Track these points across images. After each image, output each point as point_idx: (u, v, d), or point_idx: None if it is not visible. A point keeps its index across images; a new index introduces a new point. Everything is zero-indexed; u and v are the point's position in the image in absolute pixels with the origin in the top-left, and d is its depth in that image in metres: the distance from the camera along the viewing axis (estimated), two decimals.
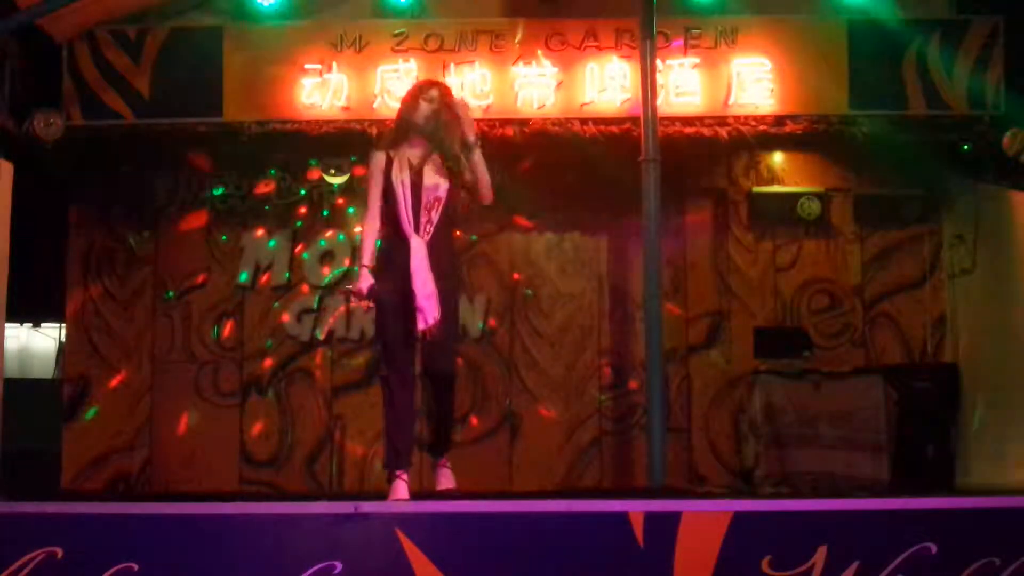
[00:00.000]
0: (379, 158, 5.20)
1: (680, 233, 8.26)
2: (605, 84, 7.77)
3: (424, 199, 5.11)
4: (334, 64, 7.76)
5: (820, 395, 7.52)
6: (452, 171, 5.15)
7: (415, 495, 5.10)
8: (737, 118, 7.72)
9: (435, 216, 5.11)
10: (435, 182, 5.13)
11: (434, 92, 5.26)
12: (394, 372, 5.13)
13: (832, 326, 8.27)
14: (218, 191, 8.28)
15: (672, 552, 4.35)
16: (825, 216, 8.26)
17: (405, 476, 5.08)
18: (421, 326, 4.99)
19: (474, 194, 5.25)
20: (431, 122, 5.17)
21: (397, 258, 5.09)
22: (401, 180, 5.12)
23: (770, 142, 8.02)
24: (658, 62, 7.48)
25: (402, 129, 5.25)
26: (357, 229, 8.12)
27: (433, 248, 5.08)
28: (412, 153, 5.18)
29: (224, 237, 8.32)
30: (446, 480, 5.28)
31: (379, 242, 5.24)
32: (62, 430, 8.16)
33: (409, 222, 5.09)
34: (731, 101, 7.75)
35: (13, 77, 7.35)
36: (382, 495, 5.16)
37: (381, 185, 5.17)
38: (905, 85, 7.70)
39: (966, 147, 7.83)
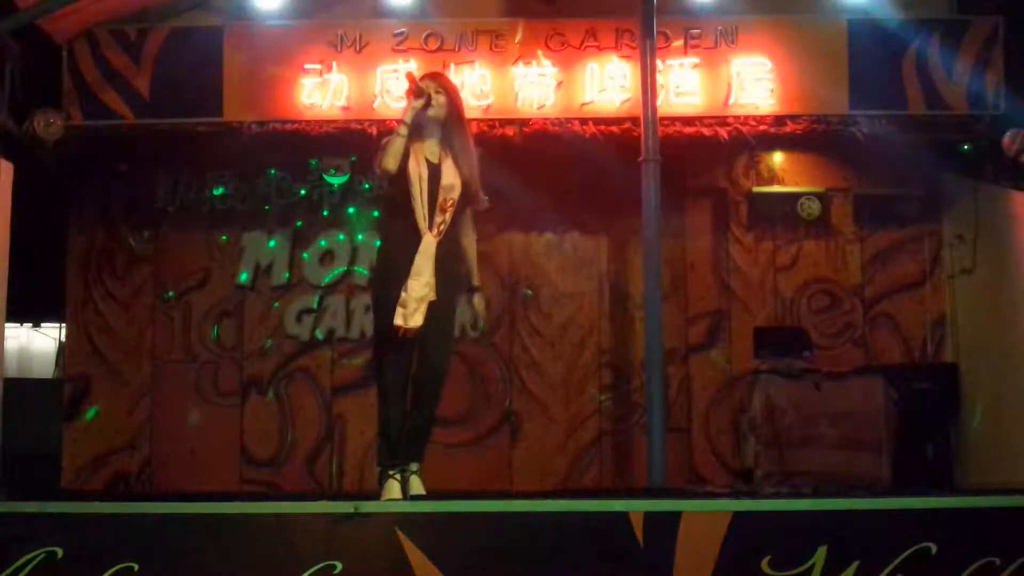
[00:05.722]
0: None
1: (680, 233, 8.26)
2: (605, 84, 7.76)
3: (440, 198, 5.01)
4: (334, 64, 7.75)
5: (820, 395, 7.50)
6: (462, 171, 5.07)
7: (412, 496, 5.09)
8: (737, 118, 7.71)
9: (448, 217, 5.03)
10: (451, 183, 5.04)
11: (441, 87, 5.16)
12: (390, 367, 5.04)
13: (832, 326, 8.26)
14: (218, 191, 8.27)
15: (672, 552, 4.35)
16: (825, 216, 8.26)
17: (399, 476, 5.03)
18: (398, 322, 4.90)
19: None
20: (441, 116, 5.08)
21: (406, 251, 4.98)
22: (419, 174, 4.99)
23: (770, 142, 8.01)
24: (658, 62, 7.49)
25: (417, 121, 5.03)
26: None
27: (443, 249, 5.01)
28: (428, 148, 5.08)
29: (224, 237, 8.31)
30: (416, 487, 5.09)
31: (383, 238, 5.24)
32: (62, 430, 8.16)
33: (424, 218, 4.98)
34: (731, 101, 7.74)
35: (13, 77, 7.35)
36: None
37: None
38: (905, 85, 7.69)
39: (966, 147, 7.83)
